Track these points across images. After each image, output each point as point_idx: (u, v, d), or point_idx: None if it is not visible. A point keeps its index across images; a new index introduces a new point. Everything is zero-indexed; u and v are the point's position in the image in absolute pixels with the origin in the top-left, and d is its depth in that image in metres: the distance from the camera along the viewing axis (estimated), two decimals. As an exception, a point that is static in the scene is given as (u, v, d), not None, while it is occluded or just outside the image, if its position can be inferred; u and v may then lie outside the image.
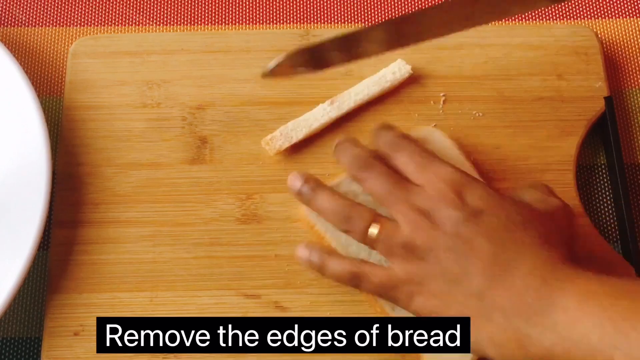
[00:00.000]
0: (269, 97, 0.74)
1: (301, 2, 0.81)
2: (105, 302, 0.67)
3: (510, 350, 0.58)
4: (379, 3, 0.81)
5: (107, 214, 0.70)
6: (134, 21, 0.80)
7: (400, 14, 0.81)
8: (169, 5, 0.81)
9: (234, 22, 0.80)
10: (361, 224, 0.63)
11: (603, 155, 0.74)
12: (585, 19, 0.81)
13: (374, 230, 0.63)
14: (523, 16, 0.81)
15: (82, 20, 0.80)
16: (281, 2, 0.81)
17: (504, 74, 0.75)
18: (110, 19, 0.80)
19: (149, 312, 0.67)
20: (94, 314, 0.66)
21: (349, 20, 0.80)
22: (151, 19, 0.80)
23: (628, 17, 0.81)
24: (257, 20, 0.80)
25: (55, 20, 0.80)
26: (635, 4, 0.81)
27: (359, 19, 0.80)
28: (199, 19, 0.80)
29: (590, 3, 0.81)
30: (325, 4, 0.81)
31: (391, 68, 0.74)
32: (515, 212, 0.61)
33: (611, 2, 0.81)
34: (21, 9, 0.80)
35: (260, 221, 0.70)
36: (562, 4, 0.81)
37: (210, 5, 0.81)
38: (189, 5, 0.81)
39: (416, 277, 0.61)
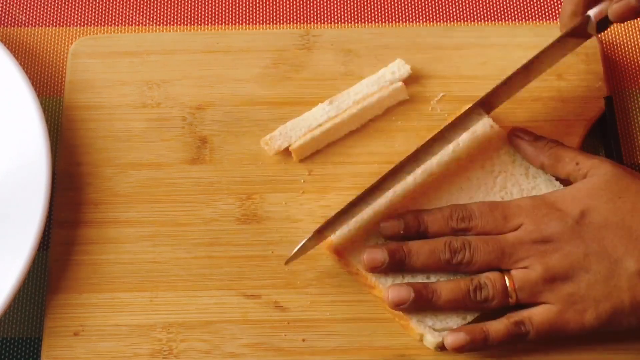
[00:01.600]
0: (269, 97, 0.74)
1: (301, 2, 0.81)
2: (105, 302, 0.67)
3: None
4: (378, 3, 0.81)
5: (107, 214, 0.70)
6: (134, 21, 0.80)
7: (398, 15, 0.81)
8: (169, 5, 0.81)
9: (234, 22, 0.80)
10: (497, 287, 0.63)
11: (603, 155, 0.74)
12: (585, 19, 0.81)
13: (508, 285, 0.63)
14: (523, 16, 0.81)
15: (82, 20, 0.80)
16: (281, 2, 0.81)
17: (504, 74, 0.75)
18: (110, 19, 0.80)
19: (149, 312, 0.67)
20: (94, 314, 0.66)
21: (349, 21, 0.80)
22: (151, 19, 0.80)
23: (628, 17, 0.80)
24: (257, 20, 0.80)
25: (55, 20, 0.80)
26: (635, 4, 0.81)
27: (359, 19, 0.80)
28: (199, 19, 0.80)
29: (590, 3, 0.81)
30: (325, 4, 0.81)
31: (390, 68, 0.74)
32: (600, 190, 0.64)
33: (611, 2, 0.81)
34: (21, 9, 0.80)
35: (260, 221, 0.70)
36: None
37: (210, 5, 0.81)
38: (189, 5, 0.81)
39: (574, 297, 0.62)
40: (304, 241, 0.65)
